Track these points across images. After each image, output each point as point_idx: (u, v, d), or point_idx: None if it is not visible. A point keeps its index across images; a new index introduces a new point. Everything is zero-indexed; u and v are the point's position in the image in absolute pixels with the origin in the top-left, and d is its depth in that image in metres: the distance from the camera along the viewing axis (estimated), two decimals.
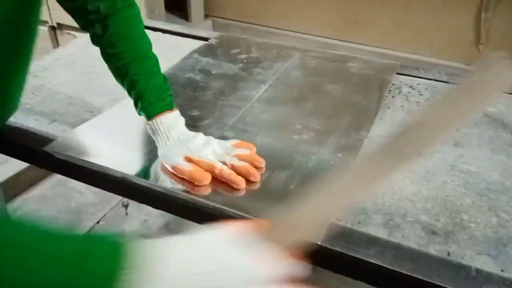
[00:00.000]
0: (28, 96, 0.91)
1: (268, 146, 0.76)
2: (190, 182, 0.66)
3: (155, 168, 0.71)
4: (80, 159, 0.72)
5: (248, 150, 0.70)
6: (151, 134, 0.71)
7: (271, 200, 0.63)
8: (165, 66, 1.04)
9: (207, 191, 0.65)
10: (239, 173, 0.66)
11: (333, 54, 1.14)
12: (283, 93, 0.95)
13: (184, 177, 0.66)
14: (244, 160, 0.68)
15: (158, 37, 1.23)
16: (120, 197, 1.69)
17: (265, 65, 1.07)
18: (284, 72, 1.04)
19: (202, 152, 0.67)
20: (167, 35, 1.24)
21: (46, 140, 0.76)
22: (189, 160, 0.67)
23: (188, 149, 0.67)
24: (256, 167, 0.68)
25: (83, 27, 0.73)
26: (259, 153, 0.71)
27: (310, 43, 2.03)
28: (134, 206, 1.71)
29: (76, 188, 1.81)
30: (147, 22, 1.31)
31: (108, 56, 0.73)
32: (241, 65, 1.07)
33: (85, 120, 0.83)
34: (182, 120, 0.72)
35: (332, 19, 1.99)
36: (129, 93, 0.72)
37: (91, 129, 0.81)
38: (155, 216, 1.67)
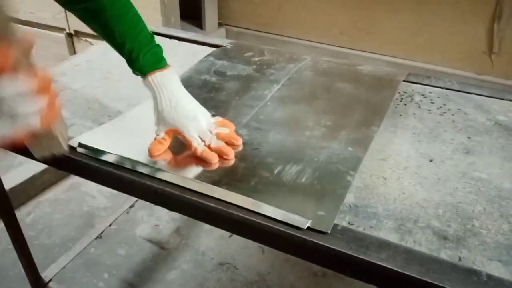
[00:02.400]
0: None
1: (281, 142, 0.79)
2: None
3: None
4: (95, 158, 0.74)
5: (227, 129, 0.79)
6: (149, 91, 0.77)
7: (284, 192, 0.66)
8: (181, 71, 1.07)
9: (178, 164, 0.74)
10: (215, 151, 0.74)
11: (344, 60, 1.17)
12: (295, 92, 0.98)
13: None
14: (223, 138, 0.76)
15: (174, 44, 1.26)
16: (131, 202, 1.71)
17: (278, 66, 1.10)
18: (296, 73, 1.06)
19: (186, 127, 0.74)
20: (182, 42, 1.27)
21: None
22: (170, 133, 0.76)
23: (174, 121, 0.74)
24: (233, 145, 0.76)
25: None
26: (271, 149, 0.76)
27: (322, 51, 2.05)
28: (146, 210, 1.73)
29: (88, 192, 1.84)
30: (163, 30, 1.34)
31: (90, 17, 0.75)
32: (254, 66, 1.10)
33: (102, 124, 0.85)
34: (175, 78, 0.77)
35: (345, 28, 2.00)
36: (120, 54, 0.77)
37: (109, 131, 0.83)
38: (166, 221, 1.69)
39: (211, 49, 1.20)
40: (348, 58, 2.01)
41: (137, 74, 0.77)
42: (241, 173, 0.71)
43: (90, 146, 0.76)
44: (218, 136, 0.77)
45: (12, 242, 1.19)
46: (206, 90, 0.98)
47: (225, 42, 1.25)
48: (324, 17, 2.01)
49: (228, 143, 0.76)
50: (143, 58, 0.74)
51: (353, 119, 0.87)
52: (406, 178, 0.71)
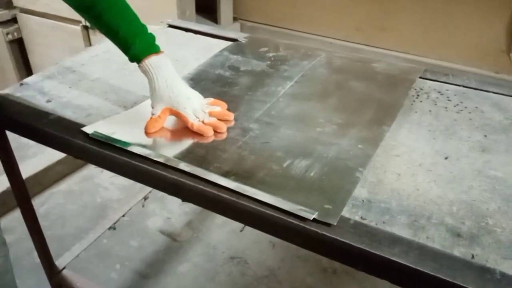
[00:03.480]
0: (65, 90, 0.95)
1: (291, 137, 0.79)
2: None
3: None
4: (109, 145, 0.76)
5: (219, 107, 0.85)
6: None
7: (292, 185, 0.67)
8: (196, 64, 1.07)
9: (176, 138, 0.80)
10: (209, 125, 0.79)
11: (359, 56, 1.16)
12: (308, 89, 0.98)
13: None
14: (216, 115, 0.82)
15: (190, 37, 1.26)
16: (143, 194, 1.73)
17: (292, 63, 1.09)
18: (310, 70, 1.06)
19: (181, 104, 0.79)
20: (198, 35, 1.27)
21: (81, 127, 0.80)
22: (166, 111, 0.80)
23: (170, 99, 0.79)
24: (226, 120, 0.83)
25: None
26: (281, 143, 0.78)
27: (337, 47, 2.04)
28: (158, 203, 1.74)
29: (101, 183, 1.86)
30: (178, 23, 1.35)
31: (84, 9, 0.79)
32: (268, 62, 1.09)
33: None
34: (169, 62, 0.81)
35: (360, 24, 1.99)
36: (115, 43, 0.82)
37: (122, 120, 0.84)
38: (178, 214, 1.70)
39: (227, 43, 1.21)
40: (363, 54, 1.99)
41: (133, 61, 0.81)
42: (250, 165, 0.71)
43: (102, 134, 0.77)
44: (211, 114, 0.82)
45: (29, 231, 1.21)
46: (220, 84, 0.99)
47: (241, 36, 1.25)
48: (340, 13, 1.99)
49: (221, 119, 0.82)
50: (138, 45, 0.79)
51: (365, 117, 0.86)
52: (420, 174, 0.70)
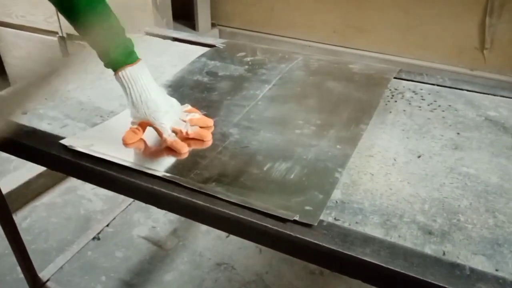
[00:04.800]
0: (41, 101, 0.95)
1: (271, 140, 0.80)
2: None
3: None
4: (90, 155, 0.75)
5: (197, 114, 0.84)
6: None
7: (272, 188, 0.67)
8: (174, 71, 1.07)
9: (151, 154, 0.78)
10: (194, 136, 0.79)
11: (335, 58, 1.18)
12: (286, 91, 0.99)
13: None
14: (196, 123, 0.82)
15: (167, 45, 1.26)
16: (127, 204, 1.72)
17: (270, 66, 1.11)
18: (288, 72, 1.07)
19: (157, 120, 0.78)
20: (176, 42, 1.27)
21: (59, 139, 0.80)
22: (143, 124, 0.80)
23: (145, 115, 0.78)
24: (208, 126, 0.83)
25: None
26: (261, 147, 0.78)
27: (315, 50, 2.06)
28: (142, 213, 1.73)
29: (84, 195, 1.84)
30: (156, 30, 1.35)
31: (64, 10, 0.75)
32: (246, 67, 1.10)
33: (95, 125, 0.86)
34: (145, 72, 0.78)
35: (337, 26, 2.00)
36: (92, 47, 0.78)
37: (101, 131, 0.84)
38: (163, 223, 1.70)
39: (205, 49, 1.21)
40: (341, 56, 2.01)
41: (108, 67, 0.79)
42: (230, 170, 0.71)
43: (76, 150, 0.77)
44: (191, 122, 0.81)
45: (10, 245, 1.19)
46: (198, 90, 0.99)
47: (218, 42, 1.25)
48: (317, 16, 2.01)
49: (202, 126, 0.82)
50: (113, 53, 0.76)
51: (343, 117, 0.87)
52: (393, 174, 0.71)
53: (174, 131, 0.79)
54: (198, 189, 0.66)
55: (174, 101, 0.83)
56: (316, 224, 0.59)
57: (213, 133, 0.82)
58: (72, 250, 1.38)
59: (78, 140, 0.79)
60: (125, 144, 0.79)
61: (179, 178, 0.69)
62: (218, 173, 0.71)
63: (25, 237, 1.19)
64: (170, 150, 0.77)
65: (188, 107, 0.86)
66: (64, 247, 1.54)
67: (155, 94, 0.79)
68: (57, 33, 2.05)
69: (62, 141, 0.79)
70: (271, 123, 0.85)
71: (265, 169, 0.71)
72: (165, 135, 0.78)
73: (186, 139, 0.79)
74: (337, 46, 2.03)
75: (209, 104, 0.92)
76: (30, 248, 1.22)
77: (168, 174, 0.70)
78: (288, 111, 0.90)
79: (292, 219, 0.60)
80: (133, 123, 0.80)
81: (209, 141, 0.79)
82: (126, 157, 0.75)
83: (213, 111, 0.90)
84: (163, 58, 1.16)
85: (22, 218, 1.75)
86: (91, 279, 1.46)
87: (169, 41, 1.28)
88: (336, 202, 0.65)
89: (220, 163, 0.73)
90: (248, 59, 1.15)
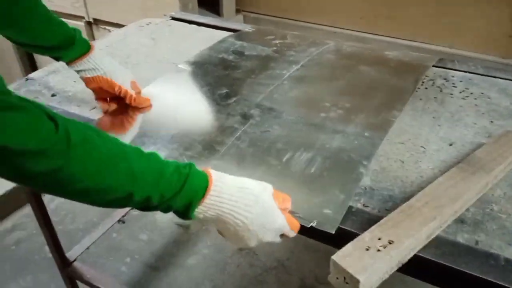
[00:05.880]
0: (70, 84, 0.96)
1: (293, 124, 0.77)
2: None
3: None
4: None
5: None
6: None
7: (291, 185, 0.63)
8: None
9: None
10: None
11: (369, 46, 1.15)
12: (314, 72, 0.96)
13: None
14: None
15: (193, 29, 1.26)
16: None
17: (299, 49, 1.08)
18: (318, 55, 1.05)
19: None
20: (201, 27, 1.27)
21: None
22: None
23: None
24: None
25: None
26: (282, 132, 0.75)
27: (342, 36, 2.02)
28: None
29: None
30: (181, 15, 1.35)
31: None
32: (274, 48, 1.09)
33: None
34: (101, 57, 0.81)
35: (365, 12, 1.96)
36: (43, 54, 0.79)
37: None
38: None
39: (230, 34, 1.20)
40: (369, 43, 1.97)
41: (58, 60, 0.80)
42: (249, 160, 0.69)
43: None
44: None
45: (40, 226, 1.22)
46: (222, 67, 0.98)
47: (246, 27, 1.24)
48: (344, 2, 1.98)
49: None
50: (67, 53, 0.77)
51: (374, 102, 0.84)
52: (424, 161, 0.69)
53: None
54: None
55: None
56: (333, 232, 0.56)
57: (232, 114, 0.80)
58: (98, 232, 1.41)
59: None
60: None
61: None
62: (235, 164, 0.67)
63: (52, 218, 1.22)
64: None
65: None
66: (90, 229, 1.58)
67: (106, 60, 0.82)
68: (83, 18, 2.07)
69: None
70: (295, 105, 0.83)
71: (284, 159, 0.68)
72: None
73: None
74: (364, 33, 1.99)
75: (231, 82, 0.91)
76: (57, 228, 1.25)
77: None
78: (314, 92, 0.87)
79: (309, 225, 0.57)
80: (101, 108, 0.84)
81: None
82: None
83: (235, 89, 0.88)
84: (189, 43, 1.16)
85: (50, 200, 1.80)
86: (116, 260, 1.49)
87: (195, 26, 1.28)
88: (365, 188, 0.64)
89: (237, 151, 0.70)
90: (277, 41, 1.13)
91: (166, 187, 0.51)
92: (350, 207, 0.60)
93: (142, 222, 1.64)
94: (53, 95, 0.92)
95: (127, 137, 0.78)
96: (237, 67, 0.98)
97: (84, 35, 0.81)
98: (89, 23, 2.06)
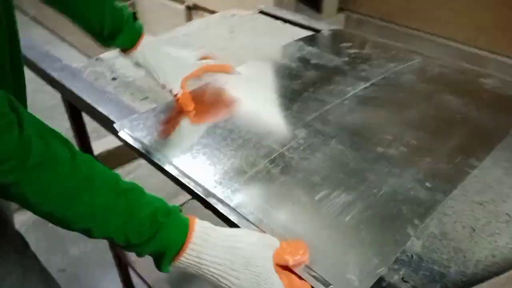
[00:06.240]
0: (133, 69, 0.93)
1: (340, 155, 0.64)
2: None
3: None
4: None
5: (211, 60, 0.79)
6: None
7: (315, 231, 0.52)
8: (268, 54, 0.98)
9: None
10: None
11: (465, 66, 0.93)
12: (385, 94, 0.81)
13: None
14: (210, 70, 0.79)
15: (276, 26, 1.17)
16: None
17: (375, 63, 0.93)
18: (395, 74, 0.89)
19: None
20: (286, 25, 1.17)
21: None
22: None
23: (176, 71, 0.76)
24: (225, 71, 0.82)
25: None
26: (324, 163, 0.63)
27: (453, 51, 1.76)
28: None
29: None
30: (271, 10, 1.26)
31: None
32: (346, 59, 0.95)
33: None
34: (151, 42, 0.77)
35: (483, 25, 1.68)
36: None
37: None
38: None
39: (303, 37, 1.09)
40: (482, 62, 1.69)
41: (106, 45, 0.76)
42: (274, 192, 0.58)
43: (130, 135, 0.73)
44: (205, 69, 0.78)
45: None
46: (280, 76, 0.88)
47: (329, 28, 1.12)
48: (463, 11, 1.71)
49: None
50: (120, 35, 0.74)
51: (450, 143, 0.67)
52: (504, 235, 0.53)
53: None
54: (226, 215, 0.56)
55: (185, 53, 0.79)
56: None
57: (273, 132, 0.70)
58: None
59: (132, 125, 0.73)
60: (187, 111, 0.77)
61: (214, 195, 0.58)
62: (255, 194, 0.58)
63: None
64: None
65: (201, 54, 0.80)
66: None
67: (172, 49, 0.78)
68: (184, 1, 2.09)
69: (114, 125, 0.74)
70: (350, 131, 0.69)
71: (317, 198, 0.56)
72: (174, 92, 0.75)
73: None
74: (479, 50, 1.71)
75: (285, 93, 0.80)
76: None
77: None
78: (377, 120, 0.73)
79: None
80: (174, 91, 0.76)
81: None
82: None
83: (285, 102, 0.78)
84: (265, 40, 1.07)
85: (126, 173, 1.87)
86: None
87: (280, 23, 1.19)
88: (411, 256, 0.50)
89: (265, 177, 0.60)
90: (352, 51, 0.99)
91: (133, 232, 0.44)
92: (382, 278, 0.47)
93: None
94: (113, 79, 0.90)
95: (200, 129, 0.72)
96: (296, 77, 0.86)
97: (183, 18, 0.79)
98: (188, 8, 2.08)
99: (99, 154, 1.80)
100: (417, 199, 0.56)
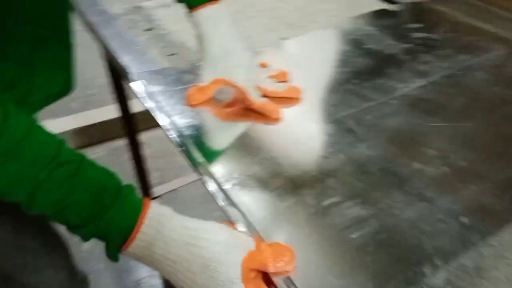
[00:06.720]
0: (172, 22, 0.86)
1: (367, 162, 0.53)
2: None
3: None
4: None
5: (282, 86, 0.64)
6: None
7: (313, 244, 0.43)
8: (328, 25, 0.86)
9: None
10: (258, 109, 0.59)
11: None
12: (441, 97, 0.66)
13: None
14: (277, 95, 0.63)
15: None
16: None
17: (443, 53, 0.77)
18: (464, 70, 0.72)
19: (240, 74, 0.59)
20: None
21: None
22: (217, 82, 0.60)
23: (225, 69, 0.60)
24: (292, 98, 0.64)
25: None
26: (346, 167, 0.52)
27: None
28: None
29: None
30: None
31: None
32: (408, 45, 0.79)
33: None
34: (227, 16, 0.60)
35: None
36: None
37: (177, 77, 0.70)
38: None
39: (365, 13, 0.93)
40: None
41: (181, 2, 0.62)
42: (277, 185, 0.49)
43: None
44: (272, 94, 0.62)
45: (133, 157, 1.25)
46: (324, 60, 0.76)
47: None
48: None
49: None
50: None
51: (508, 172, 0.53)
52: None
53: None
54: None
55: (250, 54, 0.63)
56: None
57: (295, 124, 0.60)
58: (188, 178, 1.39)
59: (147, 82, 0.67)
60: (190, 104, 0.62)
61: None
62: (262, 182, 0.50)
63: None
64: (250, 115, 0.60)
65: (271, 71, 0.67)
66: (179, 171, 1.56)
67: (240, 45, 0.60)
68: None
69: (129, 75, 0.69)
70: (387, 138, 0.57)
71: (325, 203, 0.47)
72: (250, 95, 0.59)
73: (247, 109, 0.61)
74: None
75: (323, 82, 0.69)
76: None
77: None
78: (423, 128, 0.59)
79: None
80: (203, 79, 0.62)
81: (276, 119, 0.59)
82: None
83: (323, 92, 0.67)
84: (325, 5, 0.94)
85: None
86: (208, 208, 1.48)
87: None
88: None
89: (274, 168, 0.51)
90: (419, 35, 0.82)
91: (71, 212, 0.38)
92: None
93: None
94: (147, 30, 0.84)
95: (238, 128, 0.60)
96: (342, 65, 0.73)
97: None
98: None
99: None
100: (446, 235, 0.45)
